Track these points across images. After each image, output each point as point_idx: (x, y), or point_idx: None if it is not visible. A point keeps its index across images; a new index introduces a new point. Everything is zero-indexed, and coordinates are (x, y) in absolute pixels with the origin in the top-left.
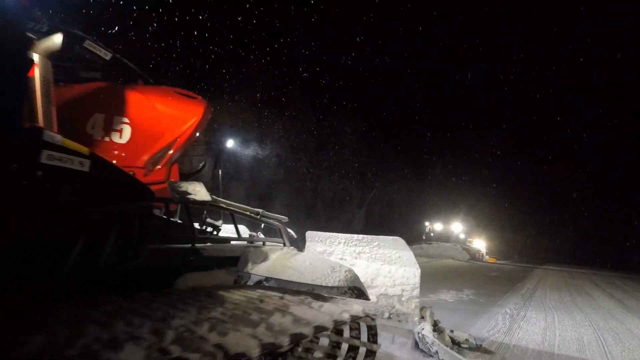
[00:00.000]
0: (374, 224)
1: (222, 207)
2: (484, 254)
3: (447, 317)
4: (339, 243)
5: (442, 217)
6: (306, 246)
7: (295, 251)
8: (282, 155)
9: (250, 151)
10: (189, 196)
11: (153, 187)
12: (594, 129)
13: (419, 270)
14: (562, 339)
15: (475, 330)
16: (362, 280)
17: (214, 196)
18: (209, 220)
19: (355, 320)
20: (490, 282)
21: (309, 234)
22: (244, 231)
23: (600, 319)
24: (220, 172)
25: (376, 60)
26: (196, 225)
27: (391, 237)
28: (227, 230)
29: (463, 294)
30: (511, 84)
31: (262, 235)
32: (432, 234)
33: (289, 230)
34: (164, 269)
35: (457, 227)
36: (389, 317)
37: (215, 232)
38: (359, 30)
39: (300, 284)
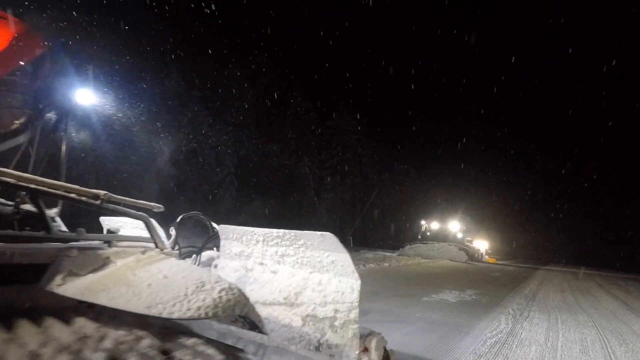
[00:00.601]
0: (373, 223)
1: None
2: (483, 254)
3: (449, 317)
4: (257, 242)
5: (440, 215)
6: (221, 245)
7: (162, 257)
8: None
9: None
10: None
11: None
12: (602, 125)
13: (359, 282)
14: (565, 339)
15: (478, 330)
16: (284, 294)
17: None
18: (24, 207)
19: None
20: (492, 283)
21: (222, 229)
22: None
23: (604, 320)
24: (63, 137)
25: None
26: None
27: (320, 232)
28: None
29: (465, 294)
30: (511, 81)
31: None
32: (428, 233)
33: (214, 224)
34: None
35: (455, 225)
36: (318, 349)
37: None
38: (359, 30)
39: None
